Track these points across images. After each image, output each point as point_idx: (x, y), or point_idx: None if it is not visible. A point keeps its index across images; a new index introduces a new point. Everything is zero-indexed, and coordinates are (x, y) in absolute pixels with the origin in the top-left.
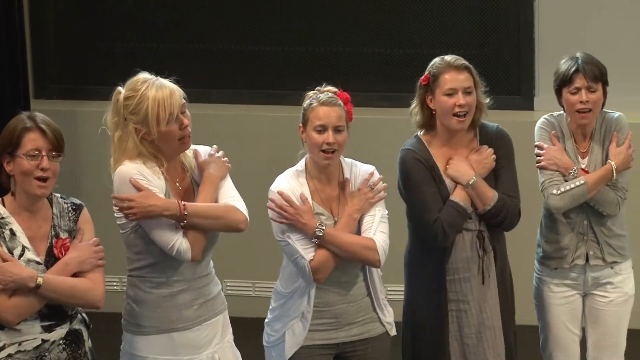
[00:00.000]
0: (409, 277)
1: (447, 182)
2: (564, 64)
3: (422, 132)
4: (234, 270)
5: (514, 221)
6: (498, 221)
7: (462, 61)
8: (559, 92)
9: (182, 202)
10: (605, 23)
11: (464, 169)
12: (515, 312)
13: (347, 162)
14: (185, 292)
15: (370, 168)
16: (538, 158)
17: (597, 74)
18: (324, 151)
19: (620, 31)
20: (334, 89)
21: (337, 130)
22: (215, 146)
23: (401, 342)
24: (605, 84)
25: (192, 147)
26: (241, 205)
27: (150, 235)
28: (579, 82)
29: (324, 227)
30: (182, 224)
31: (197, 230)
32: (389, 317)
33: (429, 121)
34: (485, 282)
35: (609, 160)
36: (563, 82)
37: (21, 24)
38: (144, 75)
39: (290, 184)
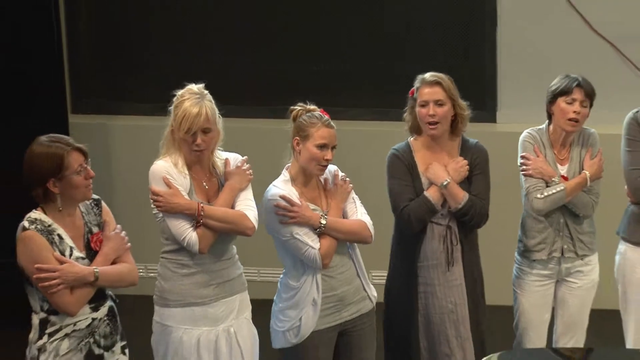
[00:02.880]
0: (390, 260)
1: (424, 180)
2: (564, 79)
3: (412, 138)
4: (242, 258)
5: (481, 220)
6: (467, 219)
7: (436, 77)
8: (552, 102)
9: (201, 205)
10: (562, 48)
11: (440, 172)
12: (484, 295)
13: None
14: (203, 273)
15: (334, 167)
16: (524, 167)
17: (591, 93)
18: (320, 167)
19: (576, 54)
20: (315, 108)
21: (333, 148)
22: (245, 157)
23: (382, 316)
24: (592, 104)
25: (225, 154)
26: (252, 214)
27: (168, 225)
28: (577, 95)
29: (326, 216)
30: (198, 222)
31: (207, 229)
32: (374, 291)
33: (418, 127)
34: (450, 270)
35: (584, 171)
36: (562, 93)
37: (60, 48)
38: (196, 88)
39: (284, 189)
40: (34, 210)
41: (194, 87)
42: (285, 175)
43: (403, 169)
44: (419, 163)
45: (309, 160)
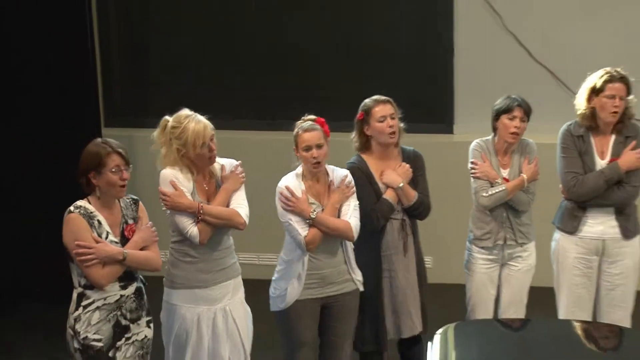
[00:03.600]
0: (354, 252)
1: (380, 185)
2: (506, 99)
3: (362, 152)
4: (245, 245)
5: (427, 213)
6: (416, 213)
7: (385, 97)
8: (496, 118)
9: (201, 204)
10: (507, 73)
11: (394, 177)
12: (426, 276)
13: (329, 168)
14: (204, 261)
15: (345, 172)
16: (473, 170)
17: (528, 111)
18: (313, 164)
19: (519, 77)
20: (313, 117)
21: (318, 146)
22: (239, 162)
23: None
24: (529, 119)
25: (221, 161)
26: (243, 212)
27: (174, 221)
28: (517, 112)
29: (315, 213)
30: (198, 218)
31: (206, 224)
32: (359, 277)
33: (365, 144)
34: (406, 256)
35: (522, 174)
36: (505, 111)
37: (95, 74)
38: (185, 112)
39: (293, 182)
40: (80, 200)
41: (182, 112)
42: (298, 170)
43: (363, 178)
44: (374, 172)
45: (305, 162)
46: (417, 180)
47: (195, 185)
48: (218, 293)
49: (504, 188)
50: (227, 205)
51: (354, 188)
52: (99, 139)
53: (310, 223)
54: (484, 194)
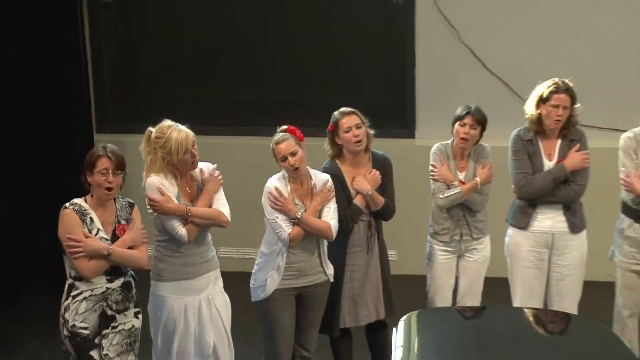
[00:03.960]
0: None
1: (351, 190)
2: (462, 108)
3: (335, 159)
4: (226, 240)
5: (392, 215)
6: (383, 216)
7: (350, 108)
8: (453, 125)
9: (188, 207)
10: (464, 83)
11: (364, 184)
12: (390, 269)
13: (312, 172)
14: (189, 256)
15: (327, 176)
16: (432, 173)
17: (480, 120)
18: (292, 171)
19: (475, 87)
20: (285, 127)
21: (292, 154)
22: (215, 165)
23: None
24: (484, 128)
25: (200, 164)
26: (225, 210)
27: (163, 223)
28: (468, 120)
29: (300, 213)
30: (187, 220)
31: (194, 225)
32: (331, 270)
33: (338, 152)
34: (369, 254)
35: (476, 177)
36: (458, 118)
37: (87, 85)
38: (167, 123)
39: (280, 183)
40: (77, 198)
41: (164, 123)
42: (284, 173)
43: (336, 183)
44: (346, 177)
45: (285, 170)
46: (385, 184)
47: (179, 190)
48: (202, 283)
49: (459, 191)
50: (210, 206)
51: (334, 192)
52: (101, 144)
53: (295, 222)
54: (441, 196)
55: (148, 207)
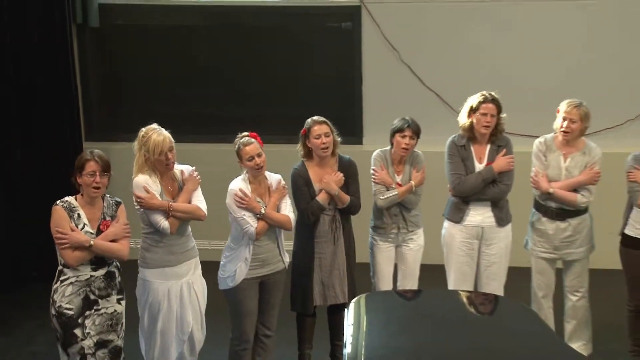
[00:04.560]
0: (295, 237)
1: (316, 187)
2: (400, 121)
3: (305, 159)
4: (199, 233)
5: (357, 211)
6: (350, 211)
7: (322, 118)
8: (393, 135)
9: (170, 203)
10: (404, 96)
11: (331, 184)
12: (355, 260)
13: (267, 173)
14: (171, 245)
15: (279, 176)
16: (373, 177)
17: (417, 131)
18: (256, 170)
19: (413, 100)
20: (247, 133)
21: (258, 155)
22: (194, 167)
23: (290, 274)
24: (419, 137)
25: (181, 166)
26: (203, 206)
27: (148, 217)
28: (407, 132)
29: (264, 209)
30: (169, 215)
31: (175, 218)
32: (287, 258)
33: (308, 153)
34: (335, 244)
35: (411, 181)
36: (398, 130)
37: (77, 97)
38: (153, 125)
39: (242, 185)
40: (69, 196)
41: (151, 125)
42: (243, 176)
43: (302, 182)
44: (312, 177)
45: (249, 170)
46: (350, 184)
47: (162, 188)
48: (183, 270)
49: (396, 193)
50: (189, 202)
51: (287, 189)
52: (89, 149)
53: (260, 217)
54: (381, 197)
55: (135, 203)
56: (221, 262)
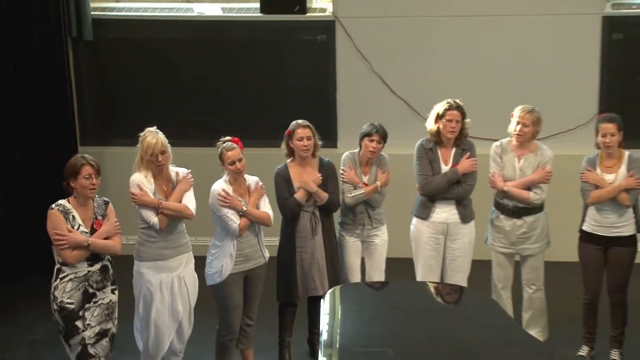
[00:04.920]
0: (281, 232)
1: (296, 186)
2: (369, 126)
3: (289, 160)
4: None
5: (336, 208)
6: (329, 209)
7: (306, 122)
8: (362, 139)
9: (160, 201)
10: (372, 103)
11: (310, 184)
12: (338, 254)
13: (245, 175)
14: (163, 241)
15: (256, 178)
16: (342, 176)
17: (384, 136)
18: (236, 173)
19: (381, 106)
20: (229, 138)
21: (239, 160)
22: (190, 170)
23: (275, 268)
24: (385, 141)
25: (176, 168)
26: (192, 206)
27: (140, 213)
28: (375, 137)
29: (245, 207)
30: (158, 211)
31: (164, 215)
32: (267, 254)
33: (291, 152)
34: (315, 239)
35: (377, 181)
36: (367, 135)
37: (72, 105)
38: (152, 128)
39: (224, 186)
40: (62, 199)
41: (150, 129)
42: (225, 177)
43: (283, 181)
44: (293, 176)
45: (230, 173)
46: (329, 183)
47: (156, 187)
48: (174, 264)
49: (362, 192)
50: (180, 202)
51: (264, 189)
52: (79, 155)
53: (242, 214)
54: (348, 195)
55: (131, 200)
56: (207, 260)
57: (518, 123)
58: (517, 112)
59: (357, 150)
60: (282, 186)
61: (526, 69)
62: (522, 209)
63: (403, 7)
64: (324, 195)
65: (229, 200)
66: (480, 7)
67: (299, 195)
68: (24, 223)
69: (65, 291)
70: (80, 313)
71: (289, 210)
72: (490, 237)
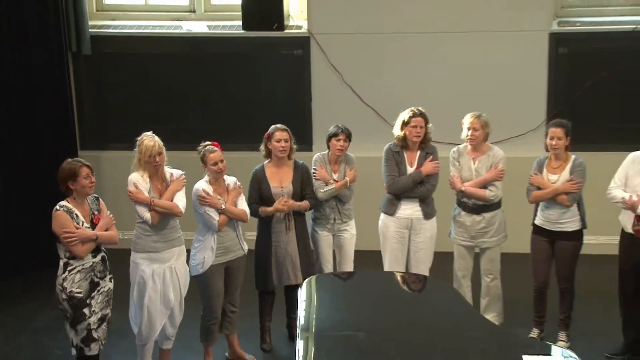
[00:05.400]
0: (258, 227)
1: (272, 185)
2: (335, 127)
3: (267, 161)
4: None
5: (314, 207)
6: (312, 209)
7: (284, 126)
8: (329, 140)
9: (153, 199)
10: (344, 110)
11: (282, 209)
12: (310, 247)
13: (225, 176)
14: (156, 235)
15: (234, 178)
16: (314, 174)
17: (349, 135)
18: (218, 173)
19: (352, 113)
20: (209, 142)
21: (221, 161)
22: (183, 172)
23: (254, 259)
24: (350, 139)
25: (171, 170)
26: (181, 204)
27: (135, 209)
28: (341, 136)
29: (224, 204)
30: (150, 208)
31: (156, 212)
32: (245, 246)
33: (269, 153)
34: (288, 234)
35: (346, 177)
36: (333, 135)
37: (73, 113)
38: (149, 133)
39: (205, 186)
40: (63, 200)
41: (147, 133)
42: (206, 178)
43: (257, 181)
44: (269, 175)
45: (211, 173)
46: (306, 185)
47: (151, 186)
48: (166, 256)
49: (333, 187)
50: (171, 200)
51: (242, 188)
52: (71, 160)
53: (221, 212)
54: (321, 191)
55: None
56: (191, 253)
57: (469, 129)
58: (466, 119)
59: (326, 151)
60: (254, 188)
61: (482, 79)
62: (481, 206)
63: (371, 25)
64: (305, 205)
65: (208, 199)
66: (440, 25)
67: (264, 211)
68: (24, 222)
69: (74, 282)
70: (88, 301)
71: (252, 213)
72: (453, 231)
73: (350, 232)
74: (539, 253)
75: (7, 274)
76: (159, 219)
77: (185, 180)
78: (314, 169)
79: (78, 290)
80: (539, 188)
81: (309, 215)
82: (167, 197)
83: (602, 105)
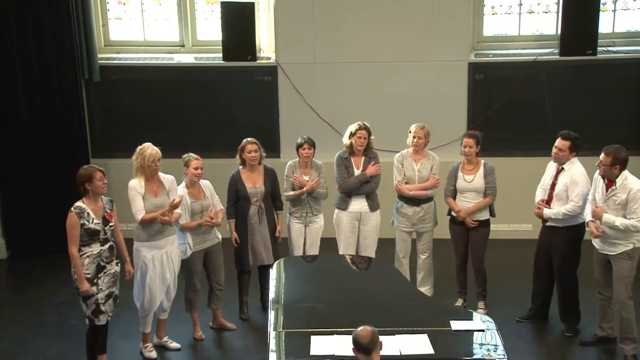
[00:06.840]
0: (236, 219)
1: (247, 186)
2: (301, 138)
3: (242, 167)
4: None
5: (282, 205)
6: (275, 205)
7: (254, 140)
8: (297, 149)
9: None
10: (305, 125)
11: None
12: (276, 234)
13: (201, 181)
14: (155, 227)
15: (208, 182)
16: (294, 180)
17: (312, 144)
18: (196, 177)
19: (312, 127)
20: (192, 153)
21: (201, 168)
22: (173, 177)
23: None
24: (314, 147)
25: (162, 175)
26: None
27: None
28: (306, 145)
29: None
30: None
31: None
32: (220, 235)
33: (243, 162)
34: (261, 225)
35: (317, 178)
36: (300, 146)
37: (85, 124)
38: (148, 144)
39: (181, 191)
40: (78, 201)
41: (147, 143)
42: (183, 184)
43: (233, 183)
44: (244, 178)
45: (191, 176)
46: (275, 187)
47: (147, 189)
48: (163, 243)
49: (293, 193)
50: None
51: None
52: (86, 166)
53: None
54: (286, 194)
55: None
56: (177, 243)
57: (414, 137)
58: (413, 128)
59: (297, 159)
60: (232, 189)
61: (415, 100)
62: (419, 199)
63: (327, 56)
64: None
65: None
66: (381, 56)
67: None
68: (48, 215)
69: (83, 265)
70: (95, 280)
71: (229, 215)
72: (396, 221)
73: (318, 224)
74: (456, 238)
75: (35, 256)
76: (147, 223)
77: (181, 199)
78: (294, 176)
79: (87, 271)
80: (455, 190)
81: (286, 210)
82: (176, 217)
83: (511, 120)
